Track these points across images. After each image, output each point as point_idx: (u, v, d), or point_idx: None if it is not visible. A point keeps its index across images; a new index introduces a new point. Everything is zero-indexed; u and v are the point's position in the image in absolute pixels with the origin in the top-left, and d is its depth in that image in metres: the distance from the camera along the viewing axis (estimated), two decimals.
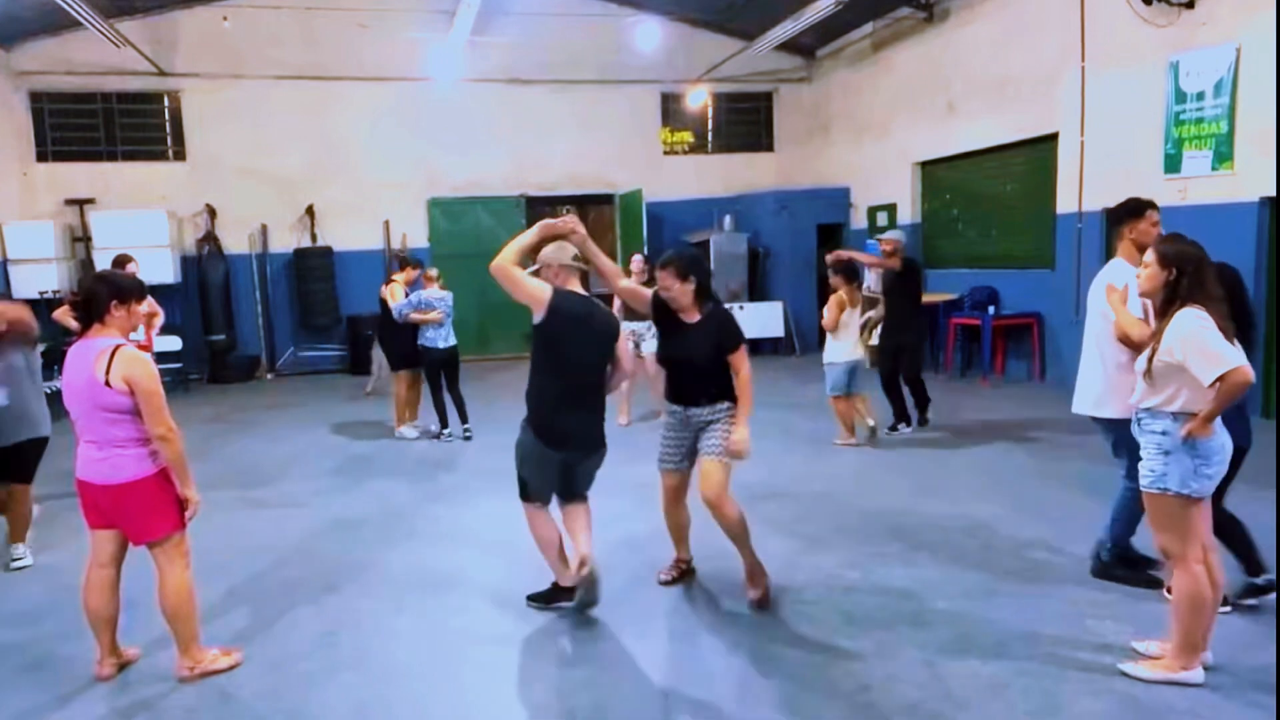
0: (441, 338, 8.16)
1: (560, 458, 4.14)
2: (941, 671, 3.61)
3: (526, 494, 4.28)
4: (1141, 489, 3.47)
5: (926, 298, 11.36)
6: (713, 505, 4.24)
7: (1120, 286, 4.18)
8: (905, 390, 8.08)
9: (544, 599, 4.40)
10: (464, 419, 8.40)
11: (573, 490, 4.33)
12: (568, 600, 4.32)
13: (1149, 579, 4.35)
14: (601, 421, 4.23)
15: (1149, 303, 3.72)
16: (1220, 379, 3.18)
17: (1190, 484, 3.34)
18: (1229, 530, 4.04)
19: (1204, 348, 3.24)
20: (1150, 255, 3.46)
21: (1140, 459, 3.58)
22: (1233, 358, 3.21)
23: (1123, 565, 4.48)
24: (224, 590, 4.67)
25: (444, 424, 8.40)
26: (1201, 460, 3.34)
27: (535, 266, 4.17)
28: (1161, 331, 3.36)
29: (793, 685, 3.57)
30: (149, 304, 6.75)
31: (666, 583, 4.63)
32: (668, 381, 4.46)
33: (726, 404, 4.26)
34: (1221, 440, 3.38)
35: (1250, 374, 3.22)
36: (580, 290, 4.18)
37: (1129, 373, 4.13)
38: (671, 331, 4.33)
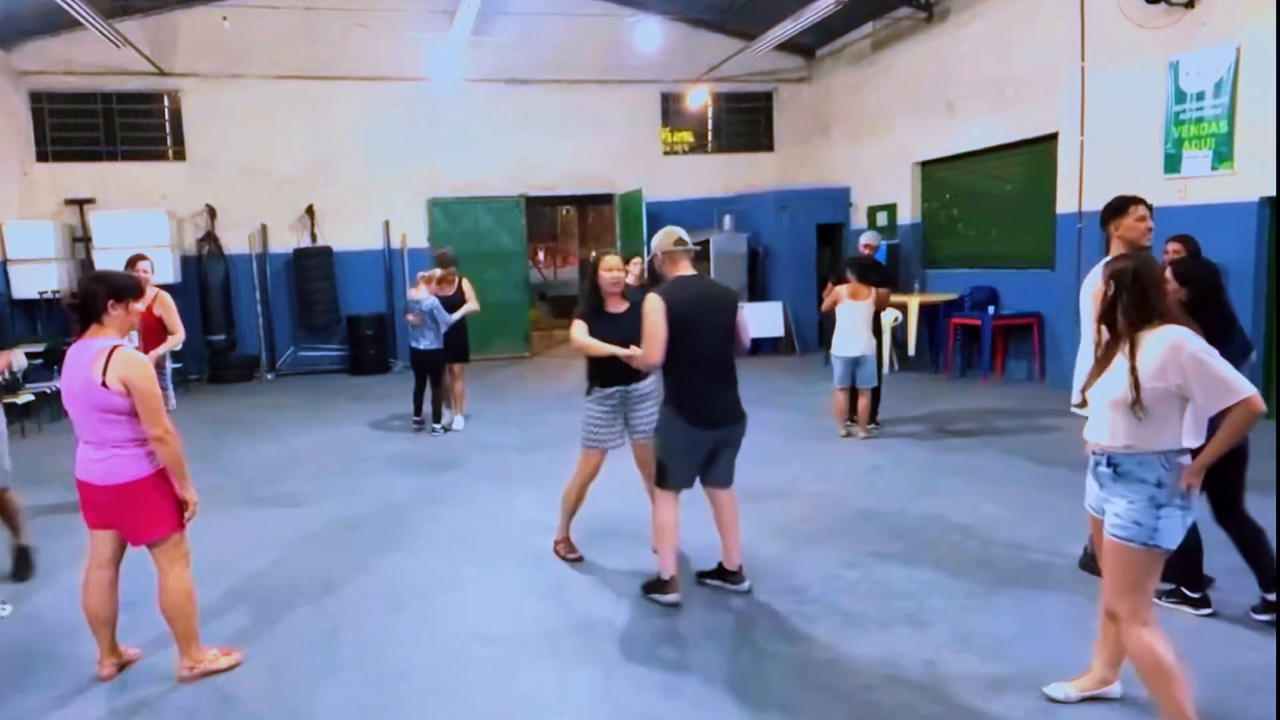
0: (416, 340, 8.50)
1: (711, 438, 4.28)
2: (941, 671, 3.61)
3: (665, 481, 4.36)
4: (1120, 541, 2.94)
5: (926, 297, 11.44)
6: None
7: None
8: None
9: (649, 588, 4.47)
10: (436, 417, 8.71)
11: (718, 475, 4.44)
12: (663, 593, 4.37)
13: None
14: (737, 397, 4.37)
15: None
16: (1229, 410, 2.74)
17: (1176, 538, 2.90)
18: (1252, 541, 3.95)
19: (1211, 375, 2.77)
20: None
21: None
22: (1244, 385, 2.76)
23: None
24: (224, 590, 4.67)
25: (417, 412, 8.83)
26: (1188, 510, 2.92)
27: (650, 256, 4.51)
28: (1132, 355, 2.88)
29: (793, 685, 3.57)
30: (177, 335, 6.48)
31: (580, 559, 4.99)
32: (603, 367, 4.69)
33: (651, 379, 4.75)
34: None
35: (1262, 404, 2.78)
36: (689, 271, 4.36)
37: None
38: (606, 322, 4.69)
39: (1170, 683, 2.89)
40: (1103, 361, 3.01)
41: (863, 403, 7.80)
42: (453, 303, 8.56)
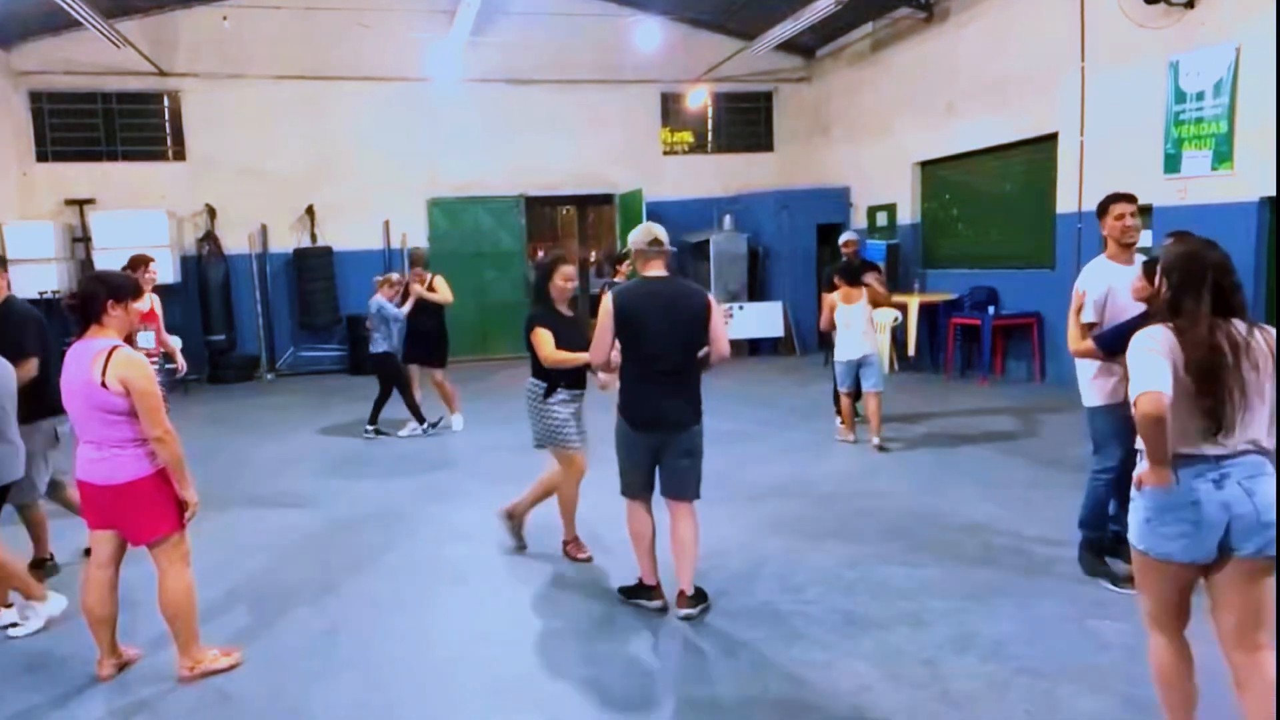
0: (373, 344, 8.49)
1: (647, 441, 4.23)
2: (941, 671, 3.61)
3: (622, 485, 4.37)
4: None
5: (926, 297, 11.44)
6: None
7: (1081, 290, 4.35)
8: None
9: (628, 593, 4.43)
10: (419, 418, 8.58)
11: (670, 484, 4.28)
12: (648, 599, 4.33)
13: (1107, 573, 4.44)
14: (688, 403, 4.23)
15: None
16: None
17: (1145, 540, 2.76)
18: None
19: (1130, 368, 2.69)
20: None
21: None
22: (1143, 382, 2.59)
23: (1089, 550, 4.58)
24: (224, 590, 4.67)
25: (371, 420, 8.64)
26: (1153, 514, 2.73)
27: (628, 248, 4.50)
28: None
29: (793, 685, 3.56)
30: (172, 343, 6.71)
31: (590, 558, 5.02)
32: (567, 372, 4.78)
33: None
34: (1192, 498, 2.66)
35: (1157, 404, 2.54)
36: (660, 273, 4.24)
37: (1101, 364, 4.31)
38: (566, 326, 4.80)
39: (1165, 691, 2.84)
40: None
41: (873, 405, 7.49)
42: (428, 304, 8.41)
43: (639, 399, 4.22)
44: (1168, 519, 2.70)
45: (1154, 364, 2.64)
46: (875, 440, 7.45)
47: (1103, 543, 4.53)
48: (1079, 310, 4.32)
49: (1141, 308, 3.92)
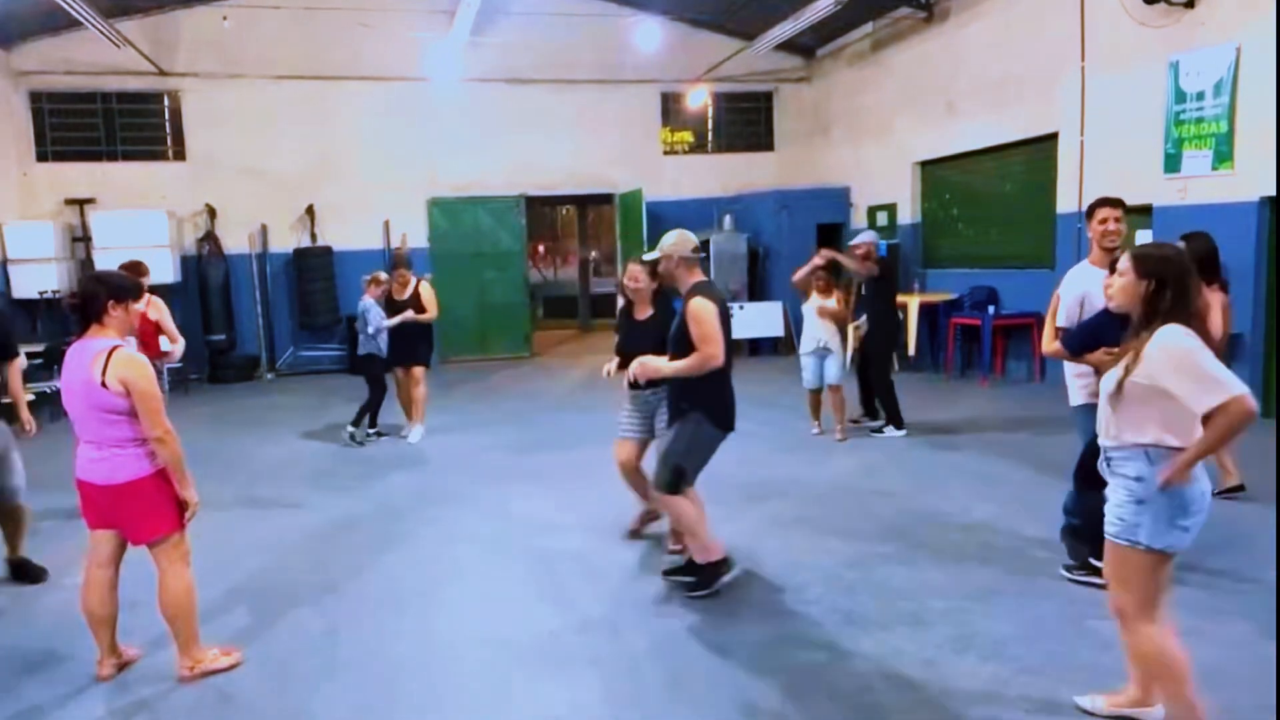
0: (360, 344, 8.38)
1: (723, 440, 4.43)
2: (942, 671, 3.61)
3: (680, 484, 4.39)
4: (1108, 537, 2.99)
5: (926, 297, 11.43)
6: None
7: (1057, 294, 4.44)
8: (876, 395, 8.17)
9: (709, 575, 4.45)
10: (355, 422, 8.35)
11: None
12: (725, 573, 4.45)
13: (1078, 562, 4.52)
14: None
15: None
16: (1217, 409, 2.67)
17: (1164, 538, 2.86)
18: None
19: (1199, 371, 2.73)
20: (1125, 263, 2.97)
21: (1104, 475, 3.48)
22: (1234, 384, 2.68)
23: (1068, 535, 4.67)
24: (224, 590, 4.67)
25: (371, 423, 8.50)
26: (1179, 510, 2.84)
27: (655, 255, 4.53)
28: (1139, 350, 2.84)
29: (793, 685, 3.56)
30: (177, 345, 6.66)
31: (636, 531, 5.25)
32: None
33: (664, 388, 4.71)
34: (1202, 487, 2.88)
35: (1253, 404, 2.68)
36: (702, 276, 4.43)
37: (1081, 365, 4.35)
38: (627, 325, 4.98)
39: (1178, 682, 2.89)
40: (1121, 355, 2.96)
41: (836, 399, 7.89)
42: (408, 307, 8.19)
43: (728, 402, 4.39)
44: (1191, 510, 2.87)
45: (1222, 365, 2.78)
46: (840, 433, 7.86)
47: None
48: (1054, 313, 4.39)
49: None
